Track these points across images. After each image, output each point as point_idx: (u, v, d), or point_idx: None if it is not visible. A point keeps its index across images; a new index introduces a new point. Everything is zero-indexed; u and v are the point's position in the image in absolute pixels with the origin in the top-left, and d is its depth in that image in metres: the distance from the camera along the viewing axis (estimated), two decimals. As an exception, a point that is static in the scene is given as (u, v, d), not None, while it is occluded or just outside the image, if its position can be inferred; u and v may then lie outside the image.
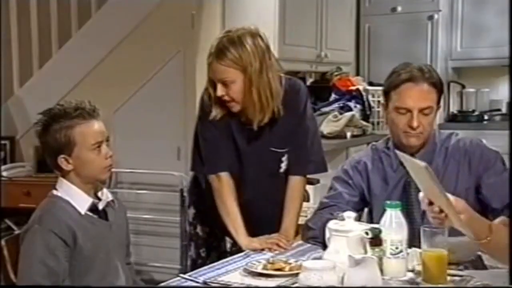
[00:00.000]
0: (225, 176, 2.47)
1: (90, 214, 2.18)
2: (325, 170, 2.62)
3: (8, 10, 4.57)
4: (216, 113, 2.43)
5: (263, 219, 2.52)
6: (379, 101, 4.51)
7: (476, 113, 5.43)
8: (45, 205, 2.16)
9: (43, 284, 2.02)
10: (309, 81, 4.78)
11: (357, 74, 5.38)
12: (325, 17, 4.72)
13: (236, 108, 2.40)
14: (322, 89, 4.47)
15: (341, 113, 4.17)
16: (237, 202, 2.46)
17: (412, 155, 2.20)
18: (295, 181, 2.55)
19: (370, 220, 2.31)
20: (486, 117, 5.43)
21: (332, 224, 1.82)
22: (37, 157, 4.26)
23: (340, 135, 4.11)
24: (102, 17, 4.41)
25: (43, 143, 2.17)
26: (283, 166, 2.55)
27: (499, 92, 5.60)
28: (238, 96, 2.36)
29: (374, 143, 2.46)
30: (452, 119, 5.43)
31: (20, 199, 4.10)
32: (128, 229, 2.39)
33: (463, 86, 5.62)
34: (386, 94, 2.28)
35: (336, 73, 4.68)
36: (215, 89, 2.38)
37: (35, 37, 4.64)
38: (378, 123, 4.45)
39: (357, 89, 4.37)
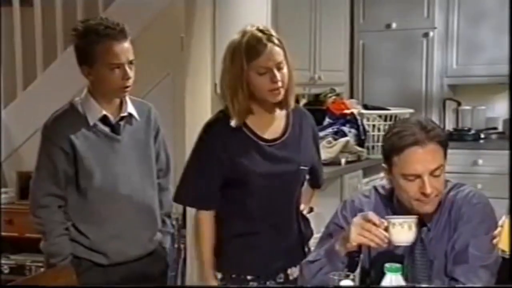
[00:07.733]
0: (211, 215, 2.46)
1: (101, 126, 2.40)
2: None
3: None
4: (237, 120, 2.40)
5: (278, 250, 2.46)
6: (373, 125, 4.40)
7: (472, 131, 5.30)
8: (57, 112, 2.45)
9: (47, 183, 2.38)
10: (302, 102, 4.66)
11: (351, 93, 5.26)
12: (318, 39, 4.59)
13: (282, 95, 2.39)
14: (316, 111, 4.34)
15: (335, 139, 4.04)
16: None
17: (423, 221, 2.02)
18: (313, 191, 2.75)
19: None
20: (482, 136, 5.31)
21: (328, 294, 1.70)
22: (20, 183, 4.03)
23: (334, 162, 3.98)
24: (88, 38, 4.29)
25: (75, 47, 2.44)
26: (305, 184, 2.59)
27: (495, 110, 5.48)
28: (287, 80, 2.40)
29: (377, 186, 2.21)
30: (447, 137, 5.31)
31: (2, 227, 3.96)
32: (157, 146, 2.56)
33: (459, 104, 5.50)
34: (388, 158, 2.05)
35: (330, 94, 4.55)
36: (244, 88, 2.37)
37: (19, 58, 4.53)
38: (373, 147, 4.33)
39: (352, 113, 4.24)
